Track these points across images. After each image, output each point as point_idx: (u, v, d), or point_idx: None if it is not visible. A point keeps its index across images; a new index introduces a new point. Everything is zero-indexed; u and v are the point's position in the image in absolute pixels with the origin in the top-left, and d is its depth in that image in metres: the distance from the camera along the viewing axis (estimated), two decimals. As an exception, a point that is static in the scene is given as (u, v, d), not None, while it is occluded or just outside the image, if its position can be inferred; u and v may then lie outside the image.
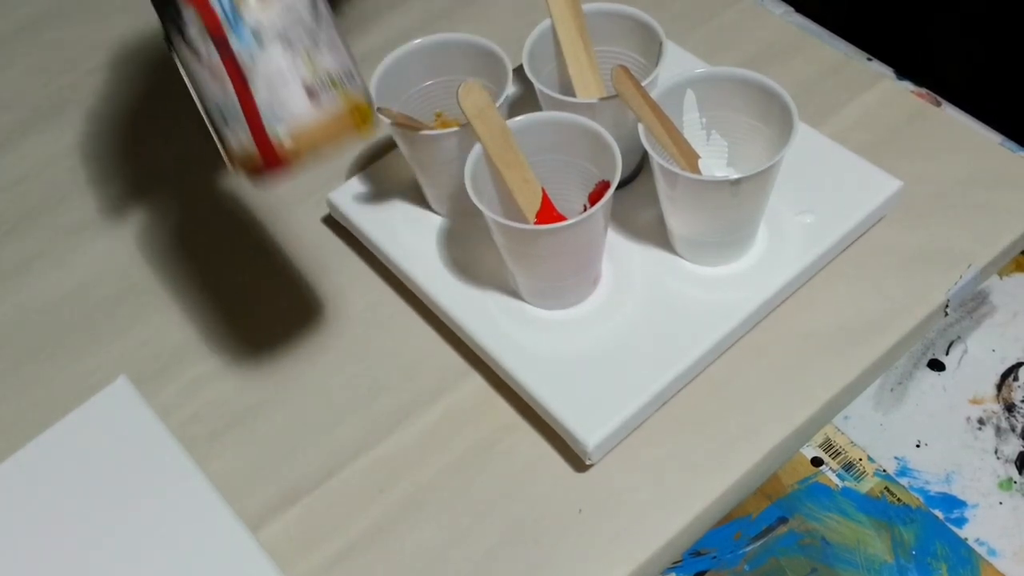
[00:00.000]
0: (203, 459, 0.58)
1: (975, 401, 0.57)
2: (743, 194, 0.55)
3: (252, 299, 0.65)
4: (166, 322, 0.64)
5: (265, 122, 0.39)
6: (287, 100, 0.39)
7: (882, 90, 0.69)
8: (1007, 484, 0.54)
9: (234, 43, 0.38)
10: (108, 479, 0.57)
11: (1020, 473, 0.54)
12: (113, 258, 0.68)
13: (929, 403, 0.57)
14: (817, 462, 0.56)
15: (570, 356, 0.57)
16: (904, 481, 0.55)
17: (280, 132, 0.39)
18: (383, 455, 0.57)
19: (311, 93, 0.39)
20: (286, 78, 0.39)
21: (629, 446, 0.56)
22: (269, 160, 0.40)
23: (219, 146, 0.42)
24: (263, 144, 0.40)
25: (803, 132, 0.62)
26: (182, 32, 0.40)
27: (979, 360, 0.58)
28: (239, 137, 0.40)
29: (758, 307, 0.58)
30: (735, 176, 0.53)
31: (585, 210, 0.55)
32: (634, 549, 0.53)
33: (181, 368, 0.62)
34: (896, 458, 0.55)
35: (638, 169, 0.64)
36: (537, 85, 0.59)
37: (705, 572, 0.53)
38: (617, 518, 0.54)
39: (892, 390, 0.58)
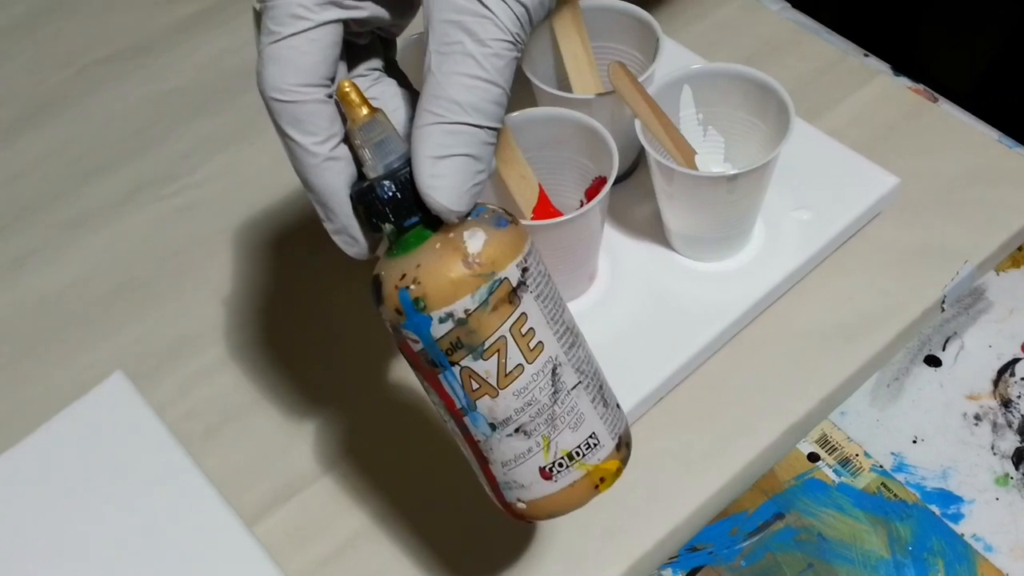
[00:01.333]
0: (199, 455, 0.57)
1: (972, 397, 0.57)
2: (739, 190, 0.55)
3: (248, 296, 0.65)
4: (162, 318, 0.64)
5: (502, 491, 0.41)
6: (521, 480, 0.41)
7: (879, 86, 0.69)
8: (1004, 480, 0.54)
9: (471, 427, 0.40)
10: (104, 475, 0.57)
11: (1017, 469, 0.54)
12: (109, 254, 0.68)
13: (926, 399, 0.57)
14: (813, 458, 0.56)
15: (567, 352, 0.57)
16: (900, 477, 0.55)
17: (516, 502, 0.41)
18: (379, 451, 0.57)
19: (545, 475, 0.40)
20: (520, 461, 0.40)
21: (626, 442, 0.56)
22: (513, 515, 0.42)
23: None
24: (503, 504, 0.42)
25: (800, 128, 0.62)
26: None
27: (976, 356, 0.58)
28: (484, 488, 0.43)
29: (755, 303, 0.58)
30: (731, 172, 0.53)
31: (582, 206, 0.55)
32: (630, 545, 0.53)
33: (177, 364, 0.62)
34: (892, 454, 0.55)
35: (634, 165, 0.64)
36: (534, 81, 0.59)
37: (701, 568, 0.53)
38: (613, 514, 0.54)
39: (889, 386, 0.58)
